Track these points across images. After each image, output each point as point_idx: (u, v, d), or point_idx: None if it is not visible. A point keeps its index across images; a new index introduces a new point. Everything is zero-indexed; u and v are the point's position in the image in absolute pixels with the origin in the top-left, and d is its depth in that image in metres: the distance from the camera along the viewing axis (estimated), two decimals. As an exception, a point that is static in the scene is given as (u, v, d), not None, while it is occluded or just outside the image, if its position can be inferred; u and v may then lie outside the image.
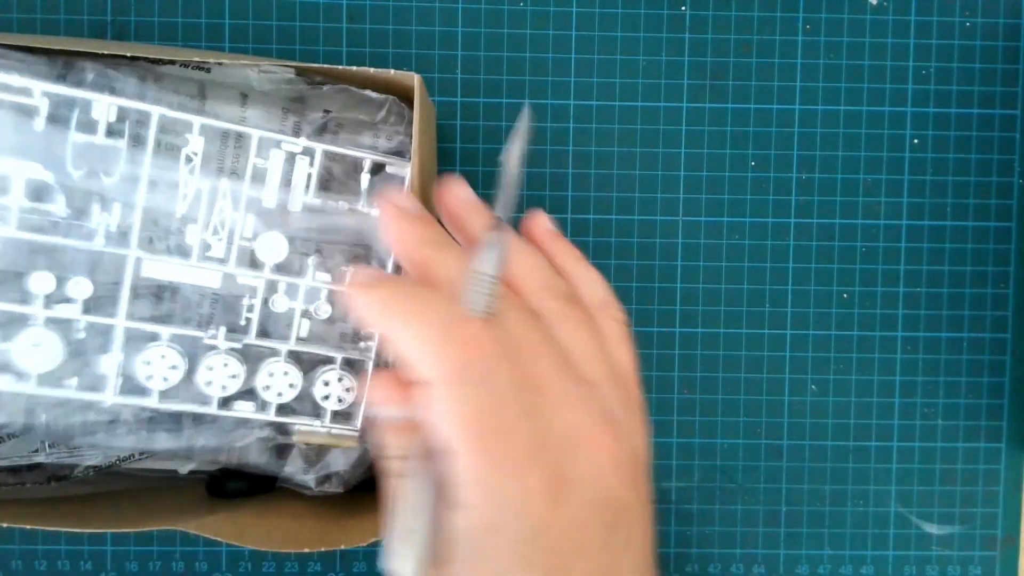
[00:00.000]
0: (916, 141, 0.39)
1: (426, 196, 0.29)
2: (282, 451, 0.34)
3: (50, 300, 0.29)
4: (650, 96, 0.38)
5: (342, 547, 0.29)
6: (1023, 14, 0.39)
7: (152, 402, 0.30)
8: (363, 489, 0.36)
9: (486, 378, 0.23)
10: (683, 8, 0.38)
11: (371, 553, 0.39)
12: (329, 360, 0.31)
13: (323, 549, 0.30)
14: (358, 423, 0.32)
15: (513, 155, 0.27)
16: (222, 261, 0.30)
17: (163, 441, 0.32)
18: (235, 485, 0.36)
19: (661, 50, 0.38)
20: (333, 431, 0.32)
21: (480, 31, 0.38)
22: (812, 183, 0.39)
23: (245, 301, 0.30)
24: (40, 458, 0.35)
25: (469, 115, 0.38)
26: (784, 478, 0.39)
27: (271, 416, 0.31)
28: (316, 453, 0.34)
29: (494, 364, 0.24)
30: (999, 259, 0.39)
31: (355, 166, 0.31)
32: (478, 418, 0.23)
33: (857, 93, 0.39)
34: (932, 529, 0.39)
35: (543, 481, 0.23)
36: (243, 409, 0.31)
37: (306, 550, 0.30)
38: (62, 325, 0.29)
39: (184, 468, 0.37)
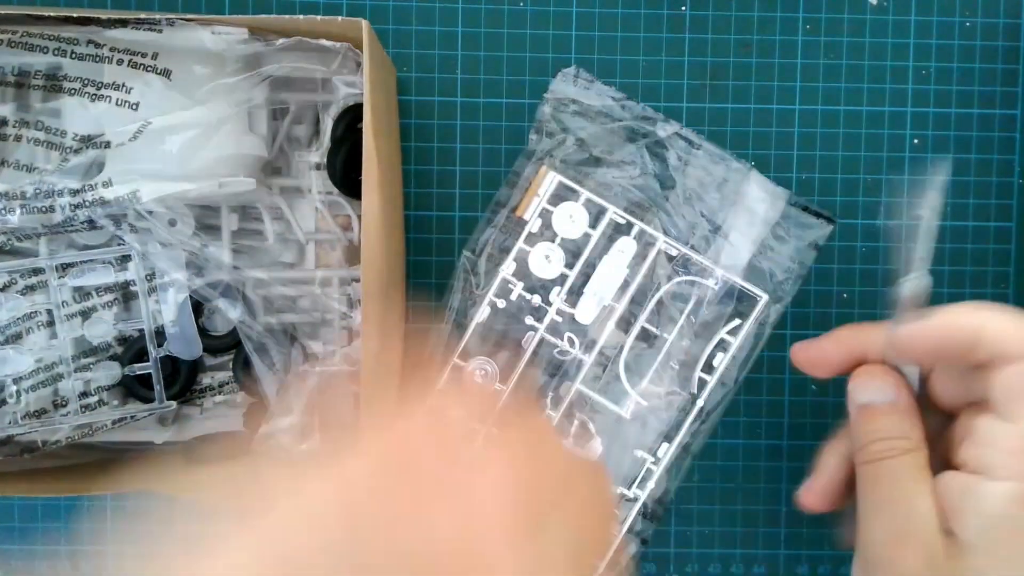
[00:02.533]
0: (916, 141, 0.39)
1: (381, 151, 0.29)
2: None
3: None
4: (650, 96, 0.38)
5: None
6: (1023, 14, 0.39)
7: None
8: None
9: None
10: (683, 8, 0.38)
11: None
12: None
13: None
14: None
15: (930, 206, 0.28)
16: None
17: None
18: (214, 449, 0.37)
19: (661, 50, 0.38)
20: None
21: (480, 31, 0.38)
22: (812, 183, 0.39)
23: None
24: (12, 431, 0.36)
25: (469, 115, 0.38)
26: (784, 478, 0.39)
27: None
28: None
29: None
30: (999, 259, 0.39)
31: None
32: None
33: (857, 93, 0.39)
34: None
35: None
36: None
37: None
38: None
39: (159, 438, 0.38)
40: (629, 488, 0.34)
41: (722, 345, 0.34)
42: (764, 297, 0.34)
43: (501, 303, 0.34)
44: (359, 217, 0.37)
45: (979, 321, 0.27)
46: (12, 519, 0.39)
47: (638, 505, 0.34)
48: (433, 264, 0.39)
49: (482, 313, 0.34)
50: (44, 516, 0.39)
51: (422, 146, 0.38)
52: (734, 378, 0.35)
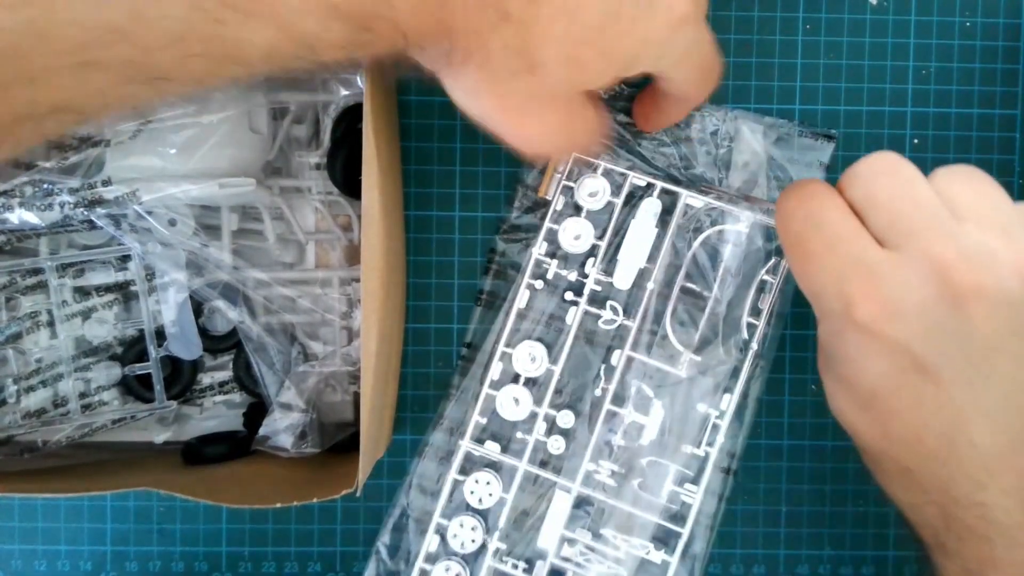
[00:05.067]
0: (916, 141, 0.39)
1: (381, 151, 0.29)
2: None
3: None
4: (650, 96, 0.38)
5: (315, 500, 0.30)
6: (1023, 14, 0.39)
7: None
8: (340, 449, 0.37)
9: None
10: (683, 8, 0.38)
11: (371, 553, 0.39)
12: None
13: (295, 504, 0.31)
14: None
15: None
16: None
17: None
18: (213, 449, 0.37)
19: (661, 50, 0.38)
20: None
21: (480, 31, 0.38)
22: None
23: None
24: (12, 431, 0.36)
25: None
26: (784, 478, 0.39)
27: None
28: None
29: None
30: (999, 259, 0.39)
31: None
32: None
33: (857, 93, 0.39)
34: (932, 529, 0.39)
35: None
36: None
37: (278, 505, 0.31)
38: None
39: (159, 438, 0.38)
40: (699, 446, 0.35)
41: (764, 286, 0.34)
42: None
43: (539, 284, 0.35)
44: (359, 217, 0.37)
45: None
46: (12, 519, 0.39)
47: (711, 461, 0.34)
48: (433, 264, 0.39)
49: (521, 298, 0.35)
50: (44, 516, 0.39)
51: (422, 146, 0.38)
52: (782, 314, 0.35)
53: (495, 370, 0.35)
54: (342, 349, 0.37)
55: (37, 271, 0.36)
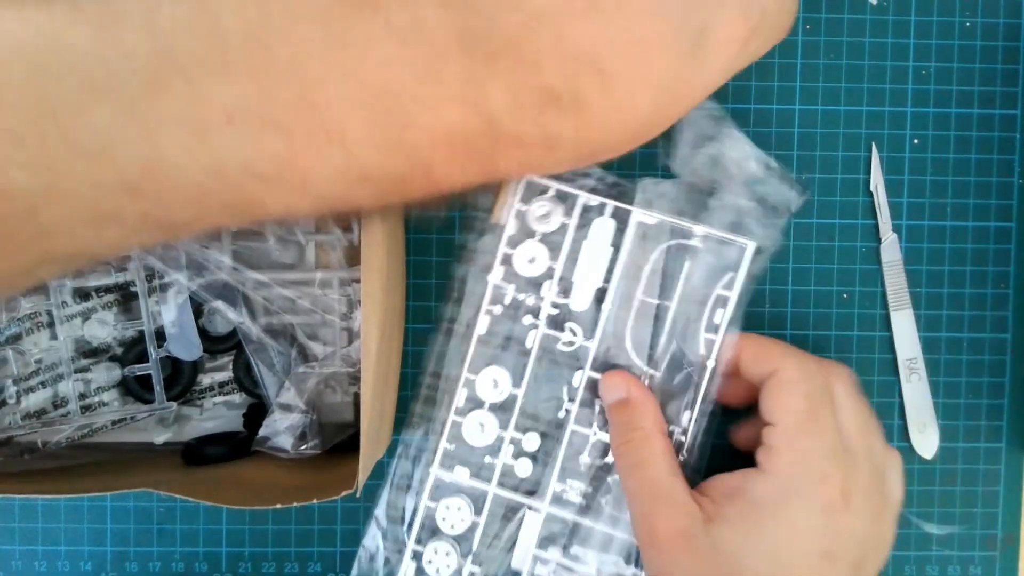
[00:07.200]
0: (916, 141, 0.39)
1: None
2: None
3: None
4: (650, 96, 0.38)
5: (315, 501, 0.30)
6: (1023, 14, 0.39)
7: None
8: (340, 450, 0.37)
9: None
10: (683, 8, 0.38)
11: None
12: None
13: (295, 504, 0.31)
14: None
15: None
16: None
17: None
18: (213, 450, 0.37)
19: (661, 50, 0.38)
20: None
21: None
22: (812, 183, 0.39)
23: None
24: (12, 431, 0.36)
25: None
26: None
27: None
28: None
29: None
30: (999, 259, 0.39)
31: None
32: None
33: (857, 93, 0.39)
34: (932, 529, 0.39)
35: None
36: None
37: (278, 506, 0.31)
38: None
39: (159, 438, 0.38)
40: None
41: (721, 302, 0.34)
42: (751, 244, 0.34)
43: (497, 309, 0.34)
44: (359, 218, 0.37)
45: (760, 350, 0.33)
46: (12, 519, 0.39)
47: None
48: (433, 264, 0.39)
49: (481, 325, 0.34)
50: (44, 516, 0.39)
51: (422, 146, 0.38)
52: (736, 331, 0.35)
53: (460, 397, 0.35)
54: (342, 350, 0.37)
55: (37, 272, 0.36)
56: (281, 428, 0.35)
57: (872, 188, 0.38)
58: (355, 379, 0.37)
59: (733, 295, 0.34)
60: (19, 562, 0.39)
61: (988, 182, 0.39)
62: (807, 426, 0.31)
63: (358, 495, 0.29)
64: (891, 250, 0.39)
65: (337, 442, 0.37)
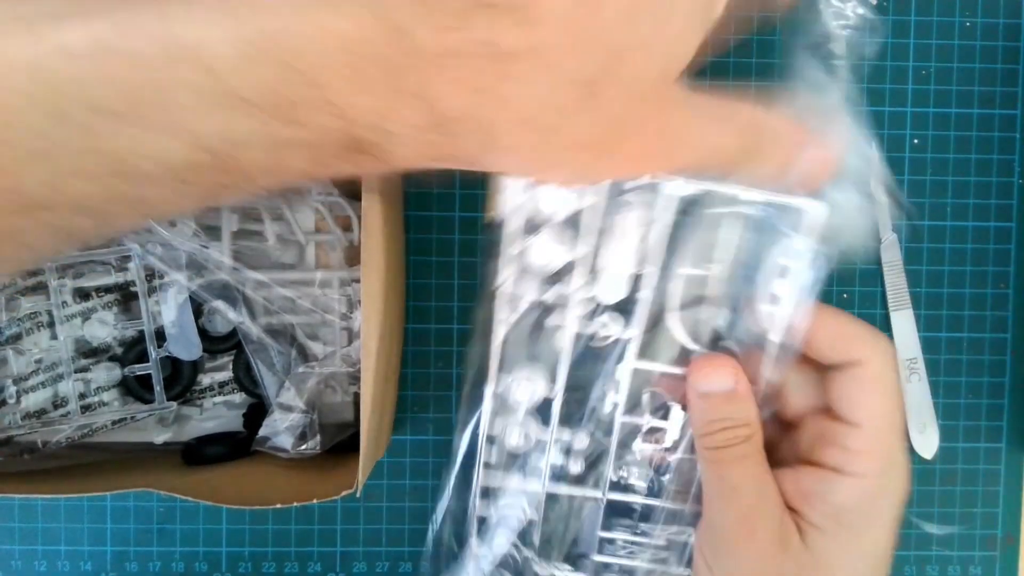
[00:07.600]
0: (916, 141, 0.39)
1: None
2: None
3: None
4: (650, 96, 0.38)
5: (315, 501, 0.30)
6: (1023, 14, 0.39)
7: None
8: (340, 450, 0.37)
9: None
10: (683, 8, 0.38)
11: (371, 553, 0.39)
12: None
13: (295, 504, 0.31)
14: None
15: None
16: None
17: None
18: (213, 450, 0.37)
19: (661, 50, 0.38)
20: None
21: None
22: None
23: None
24: (12, 431, 0.36)
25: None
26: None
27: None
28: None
29: None
30: (999, 259, 0.39)
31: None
32: None
33: (857, 93, 0.39)
34: (932, 529, 0.39)
35: None
36: None
37: (278, 506, 0.31)
38: None
39: (159, 438, 0.38)
40: None
41: (780, 271, 0.30)
42: (818, 204, 0.29)
43: (523, 306, 0.30)
44: (359, 218, 0.37)
45: (837, 325, 0.30)
46: (12, 519, 0.39)
47: None
48: (433, 264, 0.39)
49: (509, 323, 0.31)
50: (44, 516, 0.39)
51: (422, 146, 0.38)
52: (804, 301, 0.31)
53: (499, 401, 0.33)
54: (342, 350, 0.37)
55: (37, 272, 0.36)
56: (281, 428, 0.35)
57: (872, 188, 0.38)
58: (355, 379, 0.37)
59: (793, 262, 0.29)
60: (19, 562, 0.39)
61: (988, 182, 0.39)
62: (895, 427, 0.29)
63: (358, 495, 0.29)
64: (891, 250, 0.39)
65: (337, 442, 0.37)
